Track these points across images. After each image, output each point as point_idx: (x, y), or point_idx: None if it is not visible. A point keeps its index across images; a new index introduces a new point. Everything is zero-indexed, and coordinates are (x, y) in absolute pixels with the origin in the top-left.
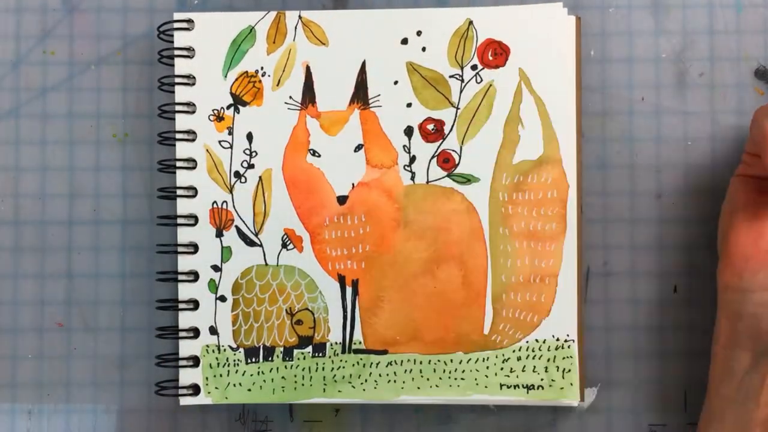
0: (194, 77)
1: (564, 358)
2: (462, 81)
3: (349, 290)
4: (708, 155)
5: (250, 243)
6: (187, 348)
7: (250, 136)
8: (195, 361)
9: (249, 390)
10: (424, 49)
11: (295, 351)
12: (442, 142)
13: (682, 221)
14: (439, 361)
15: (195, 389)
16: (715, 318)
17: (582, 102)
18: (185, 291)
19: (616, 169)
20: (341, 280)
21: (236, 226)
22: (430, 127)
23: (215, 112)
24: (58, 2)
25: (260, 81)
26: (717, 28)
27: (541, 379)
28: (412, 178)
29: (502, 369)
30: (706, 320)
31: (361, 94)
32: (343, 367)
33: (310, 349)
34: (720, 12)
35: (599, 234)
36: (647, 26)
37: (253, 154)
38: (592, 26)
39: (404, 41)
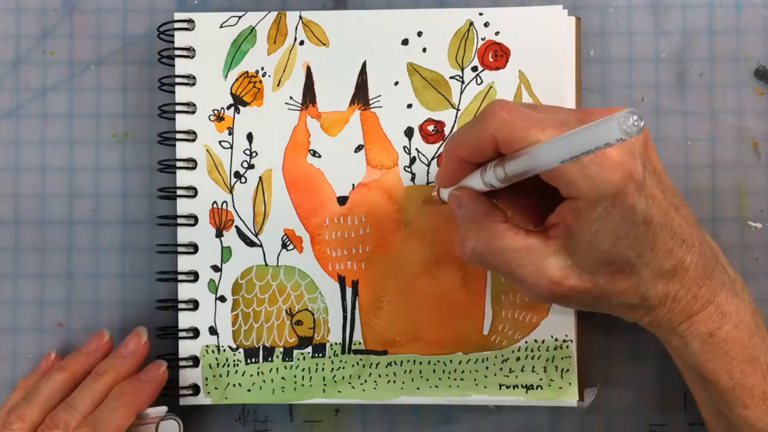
0: (194, 77)
1: (563, 358)
2: (462, 82)
3: (349, 291)
4: (708, 155)
5: (250, 243)
6: (186, 348)
7: (250, 137)
8: (195, 361)
9: (249, 390)
10: (424, 50)
11: (295, 351)
12: (442, 144)
13: None
14: (438, 361)
15: (195, 389)
16: None
17: (582, 102)
18: (185, 291)
19: None
20: (341, 280)
21: (236, 227)
22: (431, 128)
23: (215, 112)
24: (58, 2)
25: (260, 81)
26: (717, 28)
27: (540, 379)
28: (413, 179)
29: (501, 369)
30: None
31: (361, 95)
32: (343, 368)
33: (309, 349)
34: (720, 12)
35: None
36: (647, 26)
37: (254, 154)
38: (592, 26)
39: (405, 42)
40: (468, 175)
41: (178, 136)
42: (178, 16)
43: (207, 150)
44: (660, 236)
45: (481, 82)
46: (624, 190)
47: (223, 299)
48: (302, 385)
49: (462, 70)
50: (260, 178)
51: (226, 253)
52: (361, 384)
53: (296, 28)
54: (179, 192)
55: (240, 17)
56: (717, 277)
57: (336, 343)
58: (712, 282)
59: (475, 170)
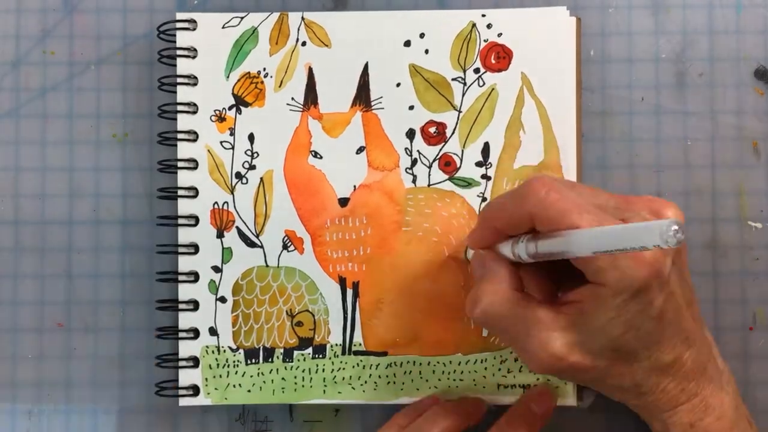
0: (196, 77)
1: None
2: (464, 84)
3: (349, 292)
4: (708, 155)
5: (251, 244)
6: (186, 349)
7: (251, 137)
8: (195, 361)
9: (249, 391)
10: (426, 51)
11: (295, 352)
12: (443, 145)
13: None
14: (438, 362)
15: (195, 390)
16: (714, 319)
17: (582, 102)
18: (185, 291)
19: (616, 169)
20: (342, 282)
21: (237, 227)
22: (432, 129)
23: (217, 112)
24: (58, 2)
25: (262, 82)
26: (717, 28)
27: (537, 379)
28: (414, 181)
29: (499, 370)
30: (706, 320)
31: (363, 96)
32: (343, 369)
33: (310, 350)
34: (720, 12)
35: None
36: (647, 26)
37: (255, 155)
38: (592, 26)
39: (407, 43)
40: (500, 242)
41: (180, 136)
42: (180, 16)
43: (208, 150)
44: (667, 331)
45: (483, 84)
46: (648, 286)
47: (223, 300)
48: (302, 385)
49: (464, 71)
50: (261, 178)
51: (226, 253)
52: (362, 385)
53: (298, 29)
54: (180, 192)
55: (242, 18)
56: (707, 372)
57: (336, 344)
58: (702, 376)
59: (508, 239)
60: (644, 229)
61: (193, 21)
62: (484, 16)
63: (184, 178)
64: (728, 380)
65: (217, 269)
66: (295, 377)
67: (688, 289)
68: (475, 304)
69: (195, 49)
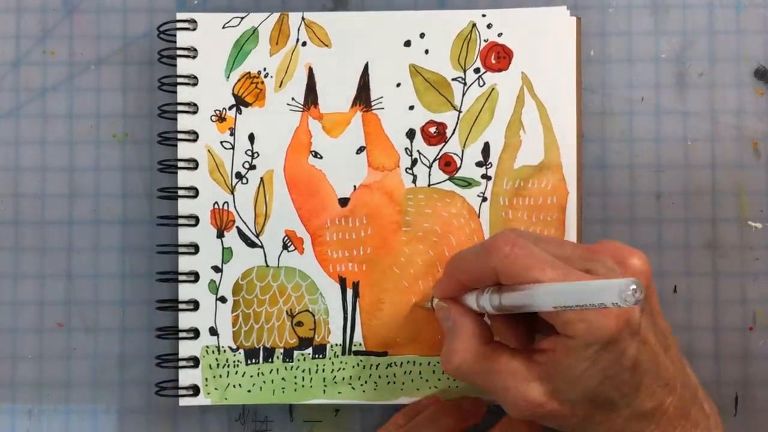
0: (196, 77)
1: None
2: (464, 84)
3: (349, 292)
4: (708, 155)
5: (251, 244)
6: (186, 348)
7: (251, 137)
8: (195, 361)
9: (249, 391)
10: (427, 51)
11: (296, 352)
12: (444, 146)
13: (682, 221)
14: (438, 362)
15: (195, 390)
16: (714, 319)
17: (582, 102)
18: (185, 291)
19: (616, 169)
20: (342, 282)
21: (237, 227)
22: (432, 130)
23: (217, 112)
24: (58, 2)
25: (263, 82)
26: (717, 28)
27: None
28: (414, 181)
29: None
30: (706, 320)
31: (363, 96)
32: (343, 369)
33: (310, 350)
34: (720, 12)
35: (599, 234)
36: (647, 26)
37: (255, 155)
38: (592, 26)
39: (407, 43)
40: (464, 293)
41: (180, 136)
42: (180, 16)
43: (208, 150)
44: (645, 379)
45: (484, 84)
46: (618, 336)
47: (223, 300)
48: (302, 386)
49: (464, 71)
50: (261, 178)
51: (227, 253)
52: (362, 385)
53: (299, 29)
54: (180, 192)
55: (242, 18)
56: (692, 417)
57: (336, 344)
58: (687, 422)
59: (473, 291)
60: (603, 287)
61: (193, 21)
62: (484, 16)
63: (184, 178)
64: (716, 424)
65: (217, 269)
66: (295, 377)
67: (662, 336)
68: (448, 362)
69: (195, 49)
